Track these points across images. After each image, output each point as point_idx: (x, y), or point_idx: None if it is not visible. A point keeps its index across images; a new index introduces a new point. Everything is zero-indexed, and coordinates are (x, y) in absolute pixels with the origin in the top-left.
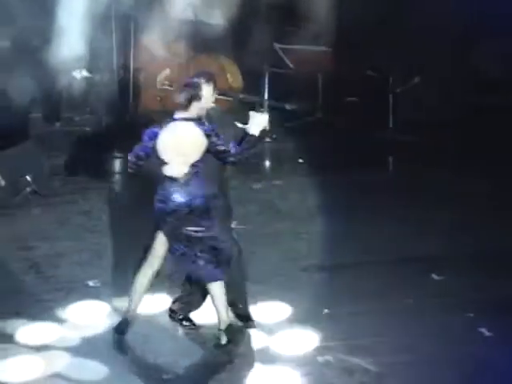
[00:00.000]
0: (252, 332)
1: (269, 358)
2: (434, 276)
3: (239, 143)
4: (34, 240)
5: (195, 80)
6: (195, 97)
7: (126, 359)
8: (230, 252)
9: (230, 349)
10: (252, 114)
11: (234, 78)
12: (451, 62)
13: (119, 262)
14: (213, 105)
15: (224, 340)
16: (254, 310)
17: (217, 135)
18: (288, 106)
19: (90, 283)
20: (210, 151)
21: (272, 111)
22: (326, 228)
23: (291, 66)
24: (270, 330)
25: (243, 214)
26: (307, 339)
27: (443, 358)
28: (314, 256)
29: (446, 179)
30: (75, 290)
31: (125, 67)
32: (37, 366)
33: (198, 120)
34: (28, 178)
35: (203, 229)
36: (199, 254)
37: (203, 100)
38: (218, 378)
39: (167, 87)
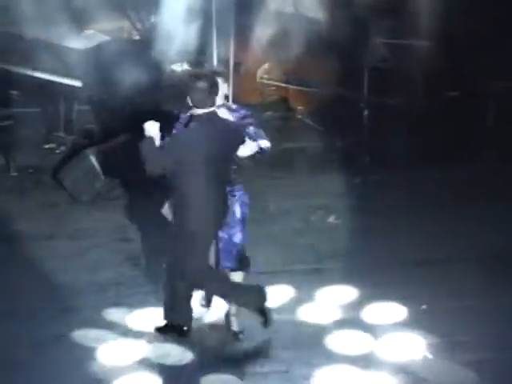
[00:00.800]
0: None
1: (368, 355)
2: None
3: None
4: (132, 232)
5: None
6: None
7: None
8: None
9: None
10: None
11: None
12: None
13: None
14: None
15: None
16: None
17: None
18: (388, 102)
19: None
20: None
21: (372, 107)
22: (424, 223)
23: (392, 60)
24: (369, 328)
25: (340, 208)
26: (406, 337)
27: None
28: (412, 251)
29: None
30: None
31: (225, 61)
32: (132, 352)
33: None
34: None
35: None
36: None
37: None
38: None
39: (267, 81)
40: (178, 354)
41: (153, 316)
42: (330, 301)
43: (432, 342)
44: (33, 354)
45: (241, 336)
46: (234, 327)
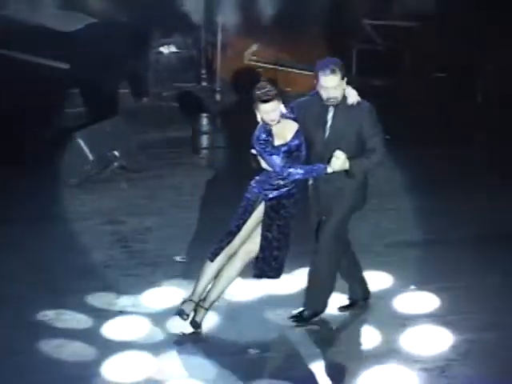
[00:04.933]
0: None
1: (357, 335)
2: None
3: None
4: (121, 215)
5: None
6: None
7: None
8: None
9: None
10: (337, 153)
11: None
12: None
13: (206, 238)
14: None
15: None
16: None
17: (261, 145)
18: (376, 83)
19: (178, 258)
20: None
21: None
22: (413, 203)
23: (380, 41)
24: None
25: None
26: (394, 315)
27: None
28: (401, 232)
29: None
30: (162, 266)
31: (212, 43)
32: (122, 335)
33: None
34: (116, 153)
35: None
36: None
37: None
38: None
39: (254, 62)
40: (165, 336)
41: (143, 299)
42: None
43: (416, 321)
44: (22, 338)
45: (199, 330)
46: (198, 318)
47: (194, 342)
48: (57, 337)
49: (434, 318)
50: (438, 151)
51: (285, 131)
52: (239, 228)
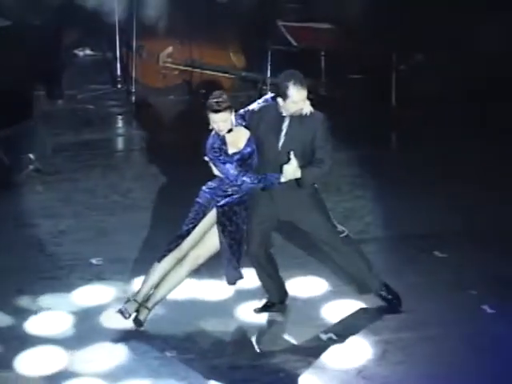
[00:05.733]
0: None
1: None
2: (437, 253)
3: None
4: (36, 218)
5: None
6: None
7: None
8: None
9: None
10: (285, 167)
11: (236, 56)
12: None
13: (121, 241)
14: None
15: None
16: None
17: (215, 153)
18: None
19: (93, 261)
20: None
21: (274, 89)
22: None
23: (294, 43)
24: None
25: None
26: (311, 317)
27: (452, 333)
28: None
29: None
30: (78, 268)
31: (127, 45)
32: (38, 341)
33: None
34: (31, 156)
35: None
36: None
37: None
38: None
39: (169, 65)
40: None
41: (57, 302)
42: None
43: (338, 323)
44: None
45: (141, 328)
46: (141, 317)
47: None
48: None
49: (350, 319)
50: (350, 152)
51: (237, 139)
52: (189, 232)
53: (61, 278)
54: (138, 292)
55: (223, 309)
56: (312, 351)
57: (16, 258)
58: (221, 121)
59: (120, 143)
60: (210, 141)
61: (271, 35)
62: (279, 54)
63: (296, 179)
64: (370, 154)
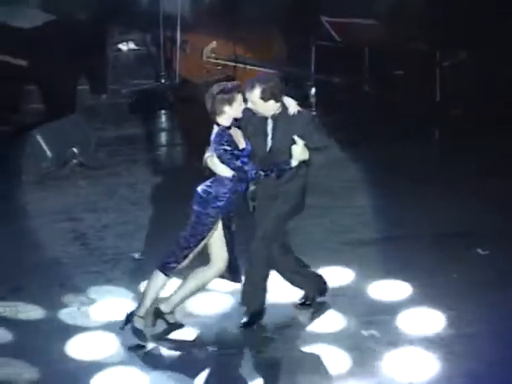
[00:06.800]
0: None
1: (310, 333)
2: (479, 251)
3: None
4: (79, 212)
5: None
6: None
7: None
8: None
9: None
10: (294, 147)
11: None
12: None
13: (162, 236)
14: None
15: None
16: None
17: (228, 151)
18: (335, 80)
19: (136, 255)
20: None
21: (319, 85)
22: (368, 202)
23: (338, 39)
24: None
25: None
26: (352, 313)
27: (493, 331)
28: (355, 230)
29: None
30: (121, 263)
31: (171, 39)
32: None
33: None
34: (75, 149)
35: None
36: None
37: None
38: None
39: (213, 60)
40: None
41: (100, 296)
42: None
43: (374, 319)
44: None
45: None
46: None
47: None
48: (13, 332)
49: (391, 316)
50: (391, 149)
51: (238, 136)
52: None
53: (104, 272)
54: (140, 307)
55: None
56: (351, 346)
57: (59, 252)
58: (242, 101)
59: (162, 138)
60: (216, 138)
61: (315, 31)
62: (323, 50)
63: (303, 161)
64: (412, 151)
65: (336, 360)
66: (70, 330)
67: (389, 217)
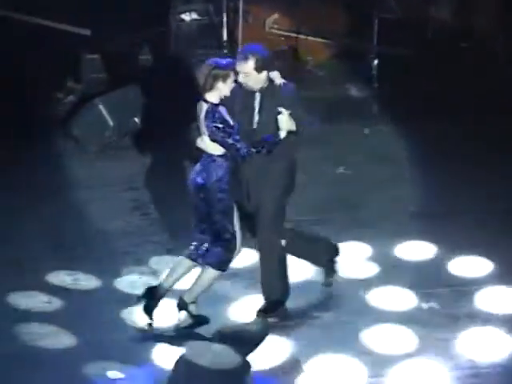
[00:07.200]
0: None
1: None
2: None
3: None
4: (140, 181)
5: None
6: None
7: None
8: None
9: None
10: (280, 117)
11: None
12: None
13: None
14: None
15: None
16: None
17: (221, 129)
18: (396, 53)
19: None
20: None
21: (380, 57)
22: (433, 174)
23: (401, 12)
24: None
25: (351, 159)
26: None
27: None
28: (421, 202)
29: None
30: (182, 234)
31: (234, 10)
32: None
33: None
34: (136, 119)
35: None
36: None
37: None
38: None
39: (276, 31)
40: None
41: (160, 266)
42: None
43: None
44: (43, 301)
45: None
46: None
47: None
48: (73, 300)
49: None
50: (452, 125)
51: (225, 113)
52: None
53: (164, 242)
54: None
55: None
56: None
57: (120, 222)
58: None
59: None
60: (208, 115)
61: (378, 4)
62: (386, 23)
63: (290, 132)
64: (472, 128)
65: (404, 336)
66: (131, 299)
67: (456, 190)
